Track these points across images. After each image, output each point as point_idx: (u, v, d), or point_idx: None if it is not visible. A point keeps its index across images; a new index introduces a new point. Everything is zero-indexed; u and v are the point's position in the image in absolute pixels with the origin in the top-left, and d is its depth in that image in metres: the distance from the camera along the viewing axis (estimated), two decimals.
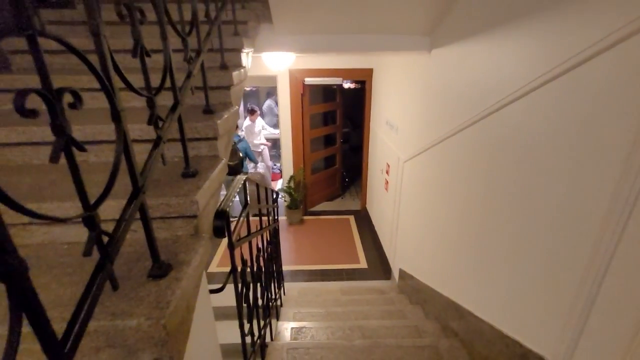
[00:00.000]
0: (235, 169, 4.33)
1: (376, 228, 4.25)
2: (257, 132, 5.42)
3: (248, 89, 8.10)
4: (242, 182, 1.27)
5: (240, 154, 4.41)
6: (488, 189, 1.55)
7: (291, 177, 4.68)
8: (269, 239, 2.21)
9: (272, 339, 2.07)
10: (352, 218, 4.89)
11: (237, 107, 1.45)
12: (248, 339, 1.37)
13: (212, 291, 0.98)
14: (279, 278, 2.85)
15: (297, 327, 2.18)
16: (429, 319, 2.26)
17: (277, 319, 2.41)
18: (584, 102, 1.01)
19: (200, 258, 0.84)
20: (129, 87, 0.66)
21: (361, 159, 4.95)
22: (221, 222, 0.94)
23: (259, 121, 5.50)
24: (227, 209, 0.99)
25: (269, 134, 6.09)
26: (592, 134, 0.98)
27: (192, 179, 0.96)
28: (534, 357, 1.23)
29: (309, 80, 4.34)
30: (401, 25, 2.20)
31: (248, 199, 1.33)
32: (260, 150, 5.50)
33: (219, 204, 1.06)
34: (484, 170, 1.59)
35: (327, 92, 5.00)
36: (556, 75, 1.11)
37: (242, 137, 4.70)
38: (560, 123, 1.10)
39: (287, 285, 3.38)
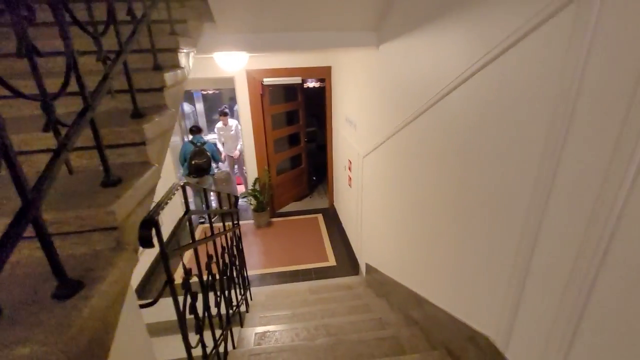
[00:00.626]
0: (203, 167, 4.22)
1: (344, 225, 4.28)
2: (234, 134, 5.21)
3: (210, 92, 7.89)
4: (179, 187, 1.21)
5: (208, 154, 4.29)
6: (436, 179, 1.59)
7: (256, 180, 4.60)
8: (227, 244, 2.15)
9: (234, 347, 2.01)
10: (320, 217, 4.89)
11: (173, 110, 1.38)
12: (200, 351, 1.32)
13: (142, 306, 0.92)
14: (244, 284, 2.79)
15: (261, 332, 2.13)
16: (393, 310, 2.30)
17: (241, 326, 2.35)
18: (507, 91, 1.05)
19: (121, 272, 0.79)
20: (11, 90, 0.60)
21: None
22: (147, 232, 0.89)
23: (232, 122, 5.27)
24: (156, 217, 0.93)
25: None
26: (513, 121, 1.03)
27: (112, 188, 0.89)
28: (480, 337, 1.27)
29: (268, 81, 4.28)
30: (348, 21, 2.21)
31: (189, 204, 1.27)
32: (236, 155, 5.34)
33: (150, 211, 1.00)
34: (431, 161, 1.62)
35: (289, 92, 4.96)
36: (483, 64, 1.15)
37: (206, 140, 4.56)
38: (489, 111, 1.15)
39: (255, 290, 3.32)
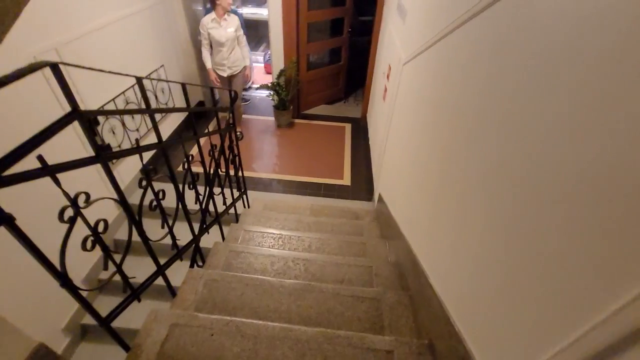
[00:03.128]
0: None
1: (370, 142, 3.72)
2: (231, 39, 3.37)
3: None
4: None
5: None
6: (478, 119, 0.96)
7: (281, 72, 3.96)
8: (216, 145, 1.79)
9: (202, 262, 1.85)
10: (348, 127, 4.32)
11: None
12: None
13: None
14: (238, 187, 2.54)
15: (236, 251, 1.94)
16: (389, 263, 1.96)
17: (222, 238, 2.17)
18: None
19: None
20: None
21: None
22: None
23: (232, 18, 3.34)
24: None
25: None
26: None
27: None
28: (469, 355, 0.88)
29: None
30: None
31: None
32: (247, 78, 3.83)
33: None
34: (477, 88, 0.97)
35: None
36: None
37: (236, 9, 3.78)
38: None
39: (256, 194, 3.12)
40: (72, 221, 0.91)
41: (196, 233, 1.70)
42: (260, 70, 5.88)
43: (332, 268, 1.86)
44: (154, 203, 1.30)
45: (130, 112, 1.25)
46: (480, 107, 0.97)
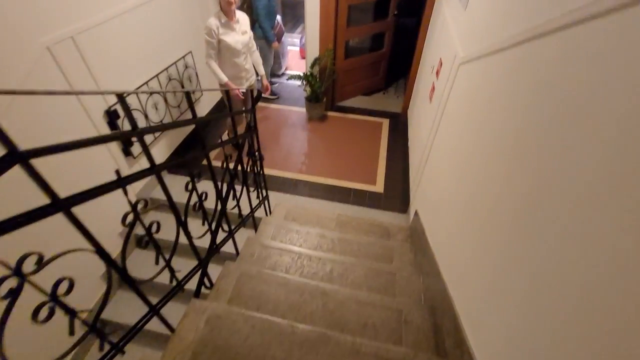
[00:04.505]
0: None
1: (410, 144, 3.33)
2: (246, 44, 2.71)
3: None
4: None
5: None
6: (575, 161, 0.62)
7: (315, 60, 3.62)
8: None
9: (210, 284, 1.66)
10: (386, 123, 3.92)
11: None
12: None
13: None
14: (259, 193, 2.32)
15: (249, 275, 1.73)
16: (423, 306, 1.65)
17: (236, 252, 1.98)
18: None
19: None
20: None
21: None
22: None
23: (241, 15, 2.66)
24: None
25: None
26: None
27: None
28: None
29: None
30: None
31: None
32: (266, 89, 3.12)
33: None
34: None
35: None
36: None
37: None
38: None
39: (279, 197, 2.90)
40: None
41: (203, 251, 1.51)
42: (295, 55, 5.55)
43: (354, 307, 1.60)
44: (148, 238, 1.10)
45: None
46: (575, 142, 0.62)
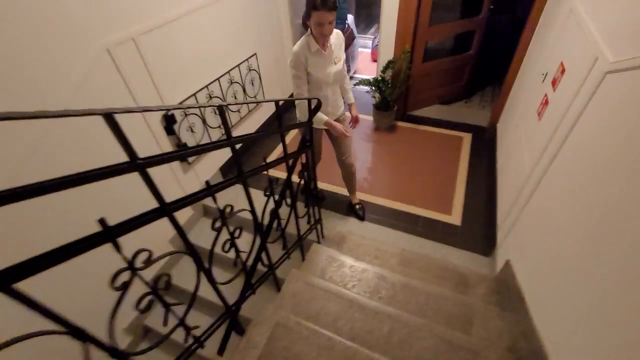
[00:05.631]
0: None
1: (498, 166, 2.71)
2: (339, 73, 2.05)
3: None
4: None
5: None
6: None
7: (388, 64, 3.19)
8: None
9: (241, 332, 1.38)
10: (468, 138, 3.32)
11: None
12: None
13: None
14: (311, 217, 2.00)
15: (287, 326, 1.41)
16: None
17: (278, 288, 1.69)
18: None
19: None
20: None
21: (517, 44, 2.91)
22: None
23: (340, 42, 2.02)
24: None
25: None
26: None
27: None
28: None
29: None
30: None
31: None
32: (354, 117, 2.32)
33: None
34: None
35: None
36: None
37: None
38: None
39: (336, 221, 2.55)
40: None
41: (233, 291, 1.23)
42: (366, 57, 5.17)
43: None
44: (163, 285, 0.84)
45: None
46: None
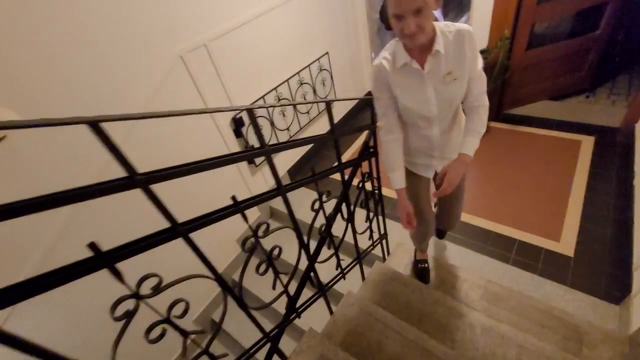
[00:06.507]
0: None
1: (636, 182, 2.02)
2: (445, 108, 1.20)
3: None
4: None
5: None
6: None
7: (483, 53, 2.70)
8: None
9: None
10: (589, 142, 2.60)
11: None
12: None
13: None
14: (378, 228, 1.76)
15: None
16: None
17: (330, 311, 1.49)
18: None
19: None
20: None
21: None
22: None
23: (449, 48, 1.11)
24: None
25: None
26: None
27: None
28: None
29: None
30: None
31: None
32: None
33: None
34: None
35: None
36: None
37: None
38: None
39: (406, 236, 2.24)
40: None
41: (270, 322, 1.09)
42: None
43: None
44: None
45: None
46: None
